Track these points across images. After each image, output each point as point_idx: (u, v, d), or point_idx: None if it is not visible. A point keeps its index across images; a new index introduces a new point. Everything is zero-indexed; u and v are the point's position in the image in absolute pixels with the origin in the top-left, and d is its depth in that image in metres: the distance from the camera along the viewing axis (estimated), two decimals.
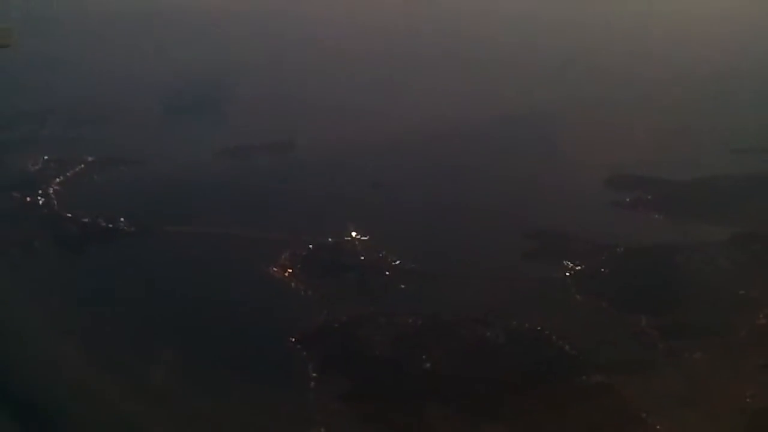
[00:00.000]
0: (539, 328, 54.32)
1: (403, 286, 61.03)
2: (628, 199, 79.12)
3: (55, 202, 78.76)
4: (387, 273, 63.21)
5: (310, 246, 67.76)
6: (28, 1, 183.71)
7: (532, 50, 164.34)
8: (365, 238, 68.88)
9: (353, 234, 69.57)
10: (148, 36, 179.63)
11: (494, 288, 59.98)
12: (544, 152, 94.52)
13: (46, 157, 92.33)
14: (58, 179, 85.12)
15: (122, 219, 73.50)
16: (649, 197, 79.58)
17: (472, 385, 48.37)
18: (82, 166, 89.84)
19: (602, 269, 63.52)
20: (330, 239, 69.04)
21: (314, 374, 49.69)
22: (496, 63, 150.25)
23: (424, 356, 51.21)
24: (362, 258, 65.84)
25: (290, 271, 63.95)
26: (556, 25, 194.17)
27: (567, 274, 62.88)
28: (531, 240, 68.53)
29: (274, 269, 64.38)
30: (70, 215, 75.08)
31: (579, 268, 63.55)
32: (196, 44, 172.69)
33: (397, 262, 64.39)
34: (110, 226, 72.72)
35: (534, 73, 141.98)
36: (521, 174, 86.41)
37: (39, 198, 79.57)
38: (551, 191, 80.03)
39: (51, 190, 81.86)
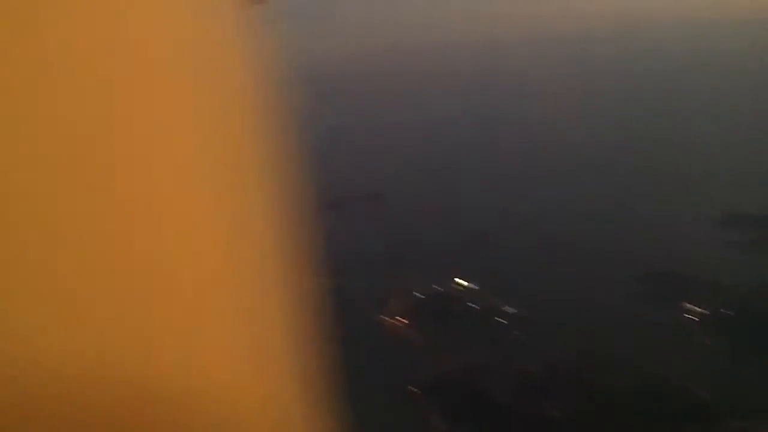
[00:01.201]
0: (668, 373, 51.95)
1: (518, 334, 59.57)
2: (747, 238, 75.61)
3: None
4: (502, 321, 61.91)
5: (418, 294, 67.15)
6: None
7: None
8: (474, 287, 67.88)
9: (461, 282, 68.65)
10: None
11: (615, 334, 57.84)
12: (654, 189, 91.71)
13: None
14: None
15: None
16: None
17: None
18: None
19: (727, 311, 60.68)
20: (437, 287, 68.22)
21: (441, 424, 48.67)
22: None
23: (550, 405, 49.54)
24: (473, 306, 64.78)
25: (400, 319, 63.38)
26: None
27: (690, 316, 60.31)
28: (648, 282, 66.08)
29: (384, 317, 63.94)
30: None
31: (702, 310, 60.89)
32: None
33: (511, 309, 63.01)
34: None
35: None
36: (631, 213, 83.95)
37: None
38: (663, 230, 77.39)
39: None
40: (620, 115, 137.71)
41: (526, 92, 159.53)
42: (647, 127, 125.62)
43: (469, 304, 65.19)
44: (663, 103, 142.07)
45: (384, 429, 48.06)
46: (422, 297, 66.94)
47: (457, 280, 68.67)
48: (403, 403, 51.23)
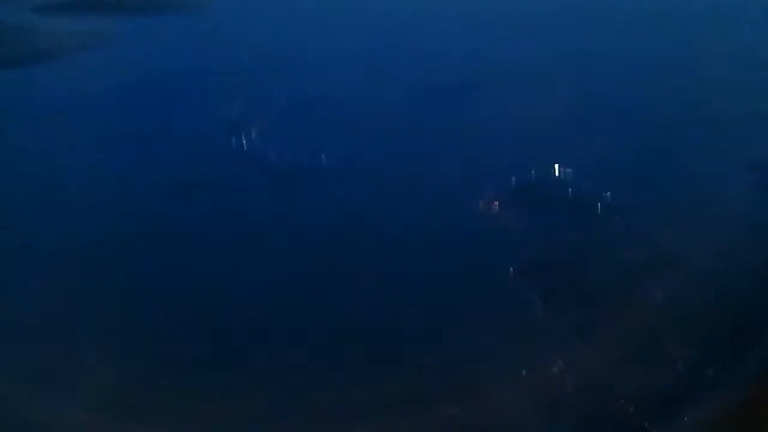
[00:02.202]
0: None
1: (618, 220, 58.85)
2: None
3: (258, 143, 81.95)
4: (599, 207, 61.15)
5: (514, 180, 66.76)
6: None
7: None
8: (570, 172, 66.94)
9: (557, 167, 67.74)
10: None
11: (724, 223, 56.48)
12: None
13: (242, 101, 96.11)
14: (256, 122, 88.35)
15: (323, 158, 75.51)
16: None
17: (712, 321, 46.09)
18: (277, 108, 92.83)
19: None
20: (533, 173, 67.59)
21: (541, 305, 49.20)
22: None
23: (655, 289, 49.30)
24: (570, 192, 64.07)
25: (497, 204, 63.33)
26: None
27: None
28: (757, 173, 63.71)
29: (480, 202, 64.01)
30: (275, 155, 77.95)
31: None
32: None
33: (609, 195, 62.03)
34: (314, 165, 74.84)
35: None
36: (737, 103, 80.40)
37: (243, 140, 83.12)
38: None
39: (252, 133, 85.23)
40: None
41: None
42: None
43: (567, 189, 64.25)
44: None
45: (486, 306, 49.22)
46: (518, 182, 66.35)
47: (555, 165, 67.51)
48: (504, 284, 51.77)
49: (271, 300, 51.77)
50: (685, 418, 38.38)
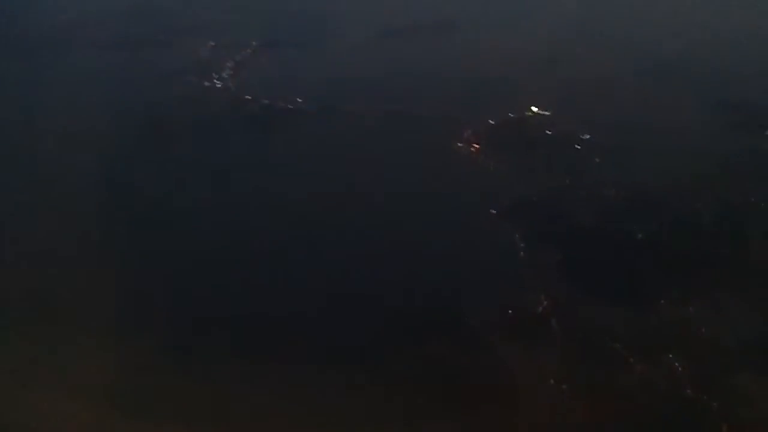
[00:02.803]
0: (752, 199, 52.07)
1: (597, 160, 59.64)
2: None
3: (231, 86, 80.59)
4: (577, 147, 61.77)
5: (491, 122, 66.91)
6: None
7: None
8: (547, 113, 67.30)
9: (534, 109, 67.93)
10: None
11: (696, 160, 57.58)
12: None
13: (212, 43, 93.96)
14: (228, 64, 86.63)
15: (299, 100, 74.60)
16: None
17: (689, 256, 47.34)
18: (249, 50, 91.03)
19: None
20: (511, 114, 67.70)
21: (522, 244, 49.88)
22: None
23: (634, 227, 50.30)
24: (548, 132, 64.61)
25: (476, 146, 63.51)
26: None
27: None
28: (727, 110, 64.58)
29: (459, 145, 64.10)
30: (249, 97, 76.78)
31: None
32: None
33: (587, 135, 62.62)
34: (290, 107, 73.99)
35: None
36: (710, 38, 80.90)
37: (215, 82, 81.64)
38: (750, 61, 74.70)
39: (225, 74, 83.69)
40: None
41: None
42: None
43: (545, 131, 64.56)
44: None
45: (469, 249, 49.74)
46: (496, 123, 66.40)
47: (531, 107, 67.61)
48: (485, 225, 52.25)
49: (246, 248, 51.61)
50: (670, 355, 39.75)
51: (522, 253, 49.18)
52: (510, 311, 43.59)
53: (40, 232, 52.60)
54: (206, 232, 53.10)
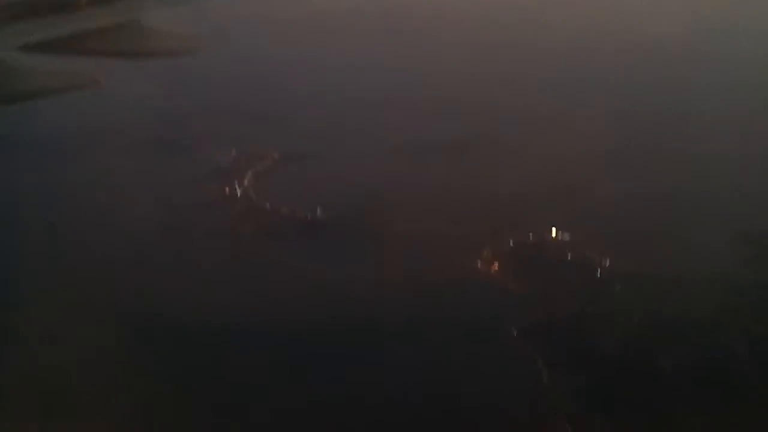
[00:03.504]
0: None
1: (618, 287, 58.97)
2: None
3: (253, 194, 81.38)
4: (599, 273, 61.32)
5: (511, 243, 66.84)
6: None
7: None
8: (567, 237, 67.25)
9: (554, 232, 68.01)
10: (333, 37, 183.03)
11: (719, 291, 56.95)
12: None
13: (234, 152, 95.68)
14: (250, 172, 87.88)
15: (319, 212, 75.06)
16: None
17: (719, 391, 46.03)
18: (270, 160, 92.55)
19: None
20: (530, 236, 67.75)
21: (545, 369, 48.79)
22: None
23: (659, 357, 49.23)
24: (569, 257, 64.29)
25: (496, 266, 63.21)
26: None
27: None
28: (750, 241, 64.37)
29: (479, 264, 63.88)
30: (269, 206, 77.39)
31: None
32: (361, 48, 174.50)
33: (608, 262, 62.28)
34: (309, 218, 74.37)
35: None
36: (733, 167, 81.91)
37: (237, 189, 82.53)
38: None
39: (246, 182, 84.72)
40: None
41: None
42: None
43: (566, 255, 64.40)
44: None
45: (489, 370, 48.59)
46: (515, 245, 66.37)
47: (551, 230, 67.76)
48: (507, 346, 51.30)
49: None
50: None
51: (545, 378, 47.91)
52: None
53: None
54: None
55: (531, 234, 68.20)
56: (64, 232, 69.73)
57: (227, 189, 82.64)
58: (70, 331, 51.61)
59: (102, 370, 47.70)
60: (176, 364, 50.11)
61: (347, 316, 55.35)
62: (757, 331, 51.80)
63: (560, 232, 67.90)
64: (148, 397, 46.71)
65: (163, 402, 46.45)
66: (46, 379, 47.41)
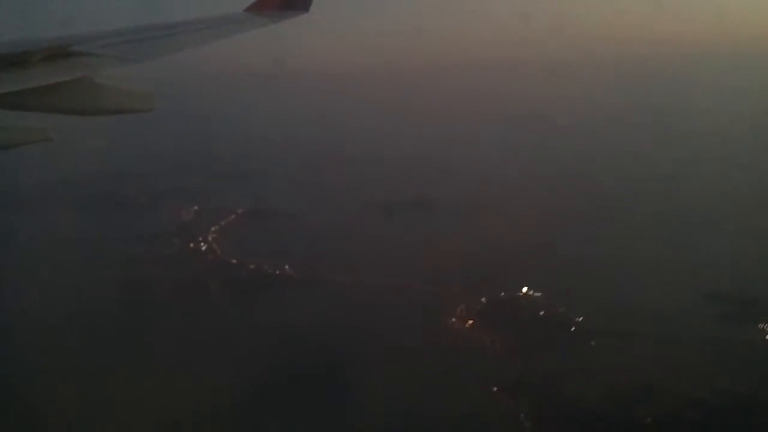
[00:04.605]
0: (753, 392, 51.55)
1: (593, 343, 59.05)
2: None
3: (218, 249, 80.00)
4: (572, 329, 61.46)
5: (483, 300, 66.74)
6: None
7: None
8: (538, 294, 67.51)
9: (524, 290, 68.26)
10: (288, 97, 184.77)
11: (692, 348, 57.42)
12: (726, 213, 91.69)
13: (196, 207, 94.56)
14: (213, 228, 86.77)
15: (287, 266, 74.04)
16: None
17: None
18: (234, 216, 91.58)
19: None
20: (502, 294, 67.82)
21: (527, 424, 48.13)
22: None
23: (639, 412, 49.02)
24: (542, 313, 64.38)
25: (471, 322, 62.91)
26: None
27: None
28: (720, 300, 65.50)
29: (453, 320, 63.49)
30: (235, 261, 76.03)
31: None
32: (323, 106, 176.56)
33: (581, 318, 62.55)
34: (277, 272, 73.26)
35: None
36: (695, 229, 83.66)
37: (201, 244, 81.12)
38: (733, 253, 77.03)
39: (210, 237, 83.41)
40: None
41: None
42: None
43: (539, 312, 64.51)
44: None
45: (473, 427, 47.71)
46: (488, 302, 66.30)
47: (522, 288, 67.99)
48: (488, 403, 50.54)
49: None
50: None
51: None
52: None
53: None
54: None
55: (503, 292, 68.01)
56: (22, 287, 66.89)
57: (191, 244, 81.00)
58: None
59: None
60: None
61: (321, 371, 53.86)
62: (730, 390, 52.00)
63: (531, 290, 68.01)
64: None
65: None
66: None
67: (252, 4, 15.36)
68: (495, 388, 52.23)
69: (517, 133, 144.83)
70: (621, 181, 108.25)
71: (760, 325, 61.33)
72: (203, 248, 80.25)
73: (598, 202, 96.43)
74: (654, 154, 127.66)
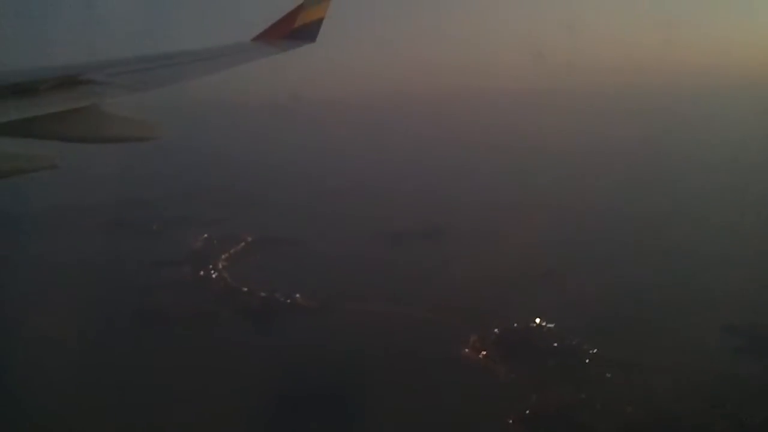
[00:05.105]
0: None
1: (608, 375, 58.51)
2: None
3: (228, 277, 79.77)
4: (587, 361, 60.98)
5: (496, 330, 66.32)
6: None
7: None
8: (551, 325, 67.11)
9: (537, 320, 67.88)
10: (297, 126, 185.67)
11: (709, 380, 56.83)
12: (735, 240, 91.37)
13: (206, 235, 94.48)
14: (223, 255, 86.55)
15: (297, 295, 73.78)
16: None
17: None
18: (243, 244, 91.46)
19: None
20: (515, 325, 67.43)
21: None
22: None
23: None
24: (555, 345, 63.91)
25: (485, 353, 62.47)
26: None
27: None
28: (735, 333, 65.03)
29: (466, 351, 63.08)
30: (246, 289, 75.79)
31: None
32: (331, 135, 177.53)
33: (595, 350, 62.11)
34: (288, 301, 72.98)
35: None
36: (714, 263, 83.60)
37: (211, 272, 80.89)
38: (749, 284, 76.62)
39: (220, 265, 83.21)
40: None
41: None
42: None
43: (552, 343, 64.06)
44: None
45: None
46: (500, 333, 65.88)
47: (535, 319, 67.63)
48: None
49: None
50: None
51: None
52: None
53: None
54: None
55: (515, 323, 67.63)
56: (36, 311, 66.56)
57: (201, 272, 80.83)
58: None
59: None
60: None
61: (334, 401, 53.36)
62: (749, 422, 51.53)
63: (544, 320, 67.64)
64: None
65: None
66: None
67: (259, 33, 15.36)
68: (511, 420, 51.72)
69: (528, 163, 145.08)
70: (636, 212, 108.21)
71: None
72: (214, 276, 79.99)
73: (611, 233, 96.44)
74: (670, 185, 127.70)
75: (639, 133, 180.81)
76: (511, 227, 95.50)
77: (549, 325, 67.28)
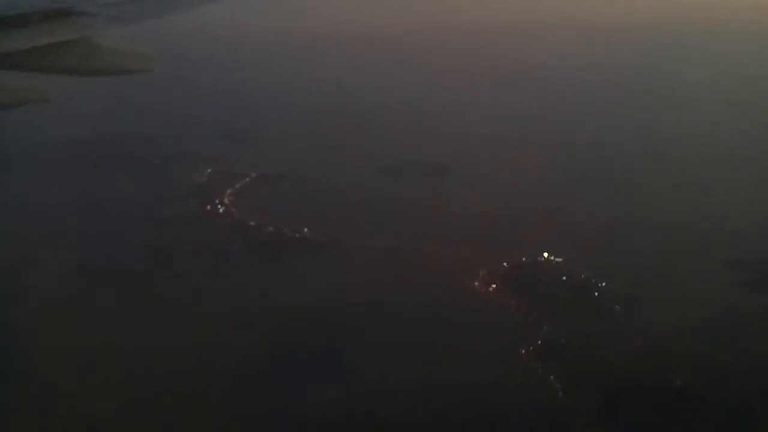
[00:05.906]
0: None
1: (618, 308, 59.32)
2: None
3: (235, 211, 79.75)
4: (596, 294, 61.73)
5: (505, 264, 66.86)
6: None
7: None
8: (560, 260, 67.68)
9: (545, 255, 68.41)
10: (294, 59, 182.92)
11: (716, 313, 57.70)
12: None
13: (209, 170, 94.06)
14: (229, 191, 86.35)
15: (305, 229, 73.97)
16: None
17: (729, 408, 46.40)
18: (248, 179, 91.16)
19: None
20: (524, 259, 67.95)
21: (559, 385, 48.57)
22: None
23: (669, 375, 49.46)
24: (564, 279, 64.55)
25: (495, 286, 63.09)
26: None
27: None
28: (741, 267, 65.74)
29: (476, 284, 63.66)
30: (253, 224, 75.88)
31: None
32: (332, 70, 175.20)
33: (604, 283, 62.80)
34: (296, 236, 73.20)
35: None
36: (720, 197, 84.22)
37: (218, 207, 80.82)
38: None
39: (226, 200, 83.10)
40: None
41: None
42: None
43: (561, 277, 64.68)
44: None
45: (504, 389, 48.01)
46: (510, 266, 66.42)
47: (543, 253, 68.11)
48: (517, 365, 50.91)
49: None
50: None
51: (560, 394, 47.59)
52: None
53: None
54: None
55: (523, 257, 68.13)
56: (43, 246, 66.64)
57: (208, 206, 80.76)
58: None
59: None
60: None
61: (344, 333, 54.11)
62: (757, 353, 52.46)
63: (552, 255, 68.15)
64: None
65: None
66: None
67: None
68: (523, 351, 52.56)
69: (535, 97, 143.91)
70: (641, 144, 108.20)
71: None
72: (221, 211, 79.98)
73: (618, 167, 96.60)
74: (675, 119, 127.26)
75: (663, 68, 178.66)
76: (518, 163, 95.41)
77: (557, 260, 67.83)
